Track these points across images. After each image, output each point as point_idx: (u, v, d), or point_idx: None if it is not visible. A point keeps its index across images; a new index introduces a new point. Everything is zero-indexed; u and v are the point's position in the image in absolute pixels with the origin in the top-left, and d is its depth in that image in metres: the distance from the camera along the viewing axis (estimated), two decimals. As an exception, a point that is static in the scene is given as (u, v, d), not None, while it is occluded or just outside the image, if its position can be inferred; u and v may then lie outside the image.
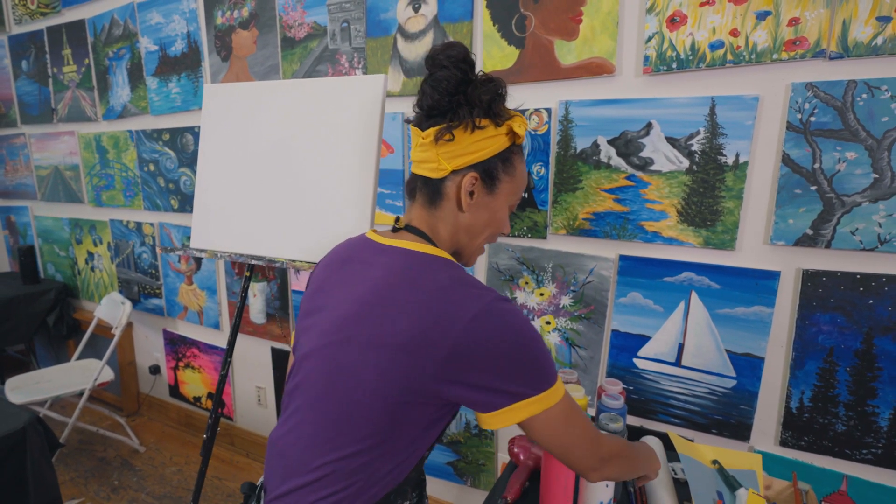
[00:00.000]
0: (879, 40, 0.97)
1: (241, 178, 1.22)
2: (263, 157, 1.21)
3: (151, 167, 2.17)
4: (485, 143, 0.65)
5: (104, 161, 2.35)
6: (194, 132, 1.98)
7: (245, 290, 1.22)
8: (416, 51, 1.46)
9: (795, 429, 1.15)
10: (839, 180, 1.04)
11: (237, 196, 1.22)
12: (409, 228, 0.70)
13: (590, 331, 1.36)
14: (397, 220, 0.73)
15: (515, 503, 0.96)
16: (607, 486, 0.85)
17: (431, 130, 0.65)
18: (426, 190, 0.69)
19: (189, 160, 2.03)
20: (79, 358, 2.40)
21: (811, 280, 1.09)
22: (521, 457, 1.04)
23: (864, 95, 0.99)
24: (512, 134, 0.67)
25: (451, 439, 1.65)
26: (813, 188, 1.06)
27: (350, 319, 0.62)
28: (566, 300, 1.38)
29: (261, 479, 0.75)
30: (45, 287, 2.58)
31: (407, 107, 1.51)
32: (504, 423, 0.58)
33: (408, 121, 0.74)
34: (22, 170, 2.74)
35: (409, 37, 1.46)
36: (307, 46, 1.65)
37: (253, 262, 1.13)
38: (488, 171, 0.67)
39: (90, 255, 2.57)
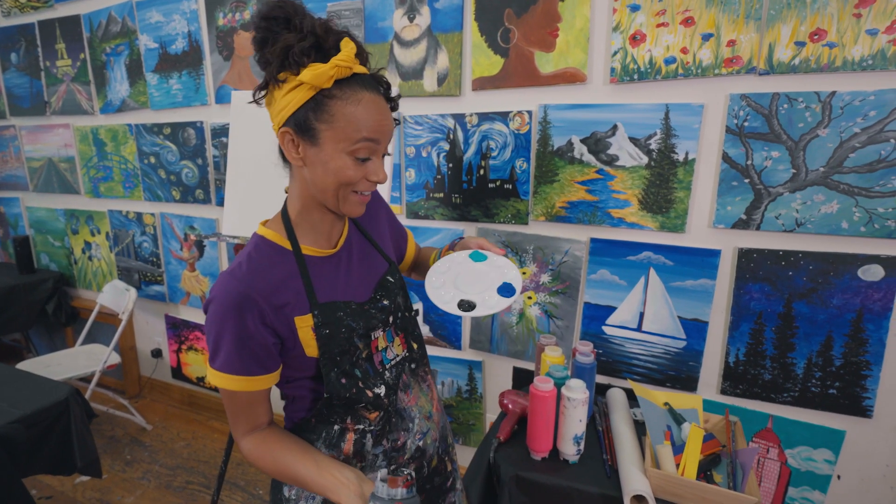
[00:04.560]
0: (797, 61, 1.19)
1: (268, 175, 1.36)
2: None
3: (152, 160, 2.26)
4: (289, 96, 0.64)
5: (102, 153, 2.42)
6: (196, 126, 2.09)
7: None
8: (411, 56, 1.63)
9: (733, 379, 1.40)
10: (766, 175, 1.27)
11: (264, 191, 1.37)
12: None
13: (565, 303, 1.58)
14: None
15: (507, 442, 1.17)
16: (581, 420, 1.06)
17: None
18: (281, 153, 0.73)
19: (191, 153, 2.14)
20: (81, 344, 2.50)
21: (745, 256, 1.33)
22: (510, 406, 1.25)
23: (785, 105, 1.22)
24: (312, 85, 0.62)
25: (443, 403, 1.85)
26: (746, 181, 1.29)
27: None
28: (545, 278, 1.59)
29: None
30: (42, 276, 2.65)
31: (403, 108, 1.67)
32: (208, 377, 0.72)
33: None
34: (12, 161, 2.78)
35: (405, 44, 1.63)
36: (308, 49, 1.78)
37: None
38: (299, 124, 0.65)
39: (87, 244, 2.65)
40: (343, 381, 0.73)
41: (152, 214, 2.35)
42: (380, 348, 0.79)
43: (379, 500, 0.61)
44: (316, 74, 0.61)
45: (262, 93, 0.68)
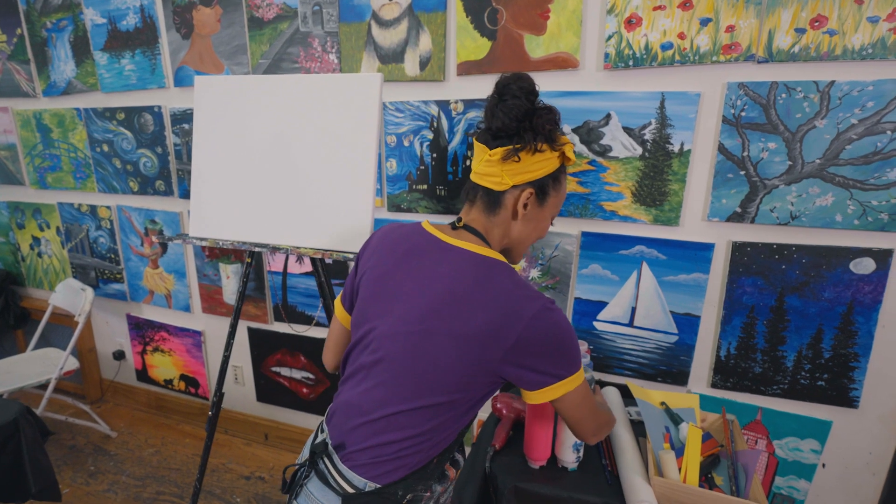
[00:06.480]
0: (797, 49, 1.15)
1: (239, 169, 1.24)
2: (262, 150, 1.24)
3: (105, 147, 2.07)
4: (542, 163, 0.78)
5: (47, 140, 2.20)
6: (153, 111, 1.92)
7: (246, 276, 1.27)
8: (390, 38, 1.51)
9: (723, 373, 1.39)
10: (762, 167, 1.24)
11: (236, 186, 1.24)
12: (468, 228, 0.82)
13: (556, 299, 1.53)
14: (459, 219, 0.84)
15: (502, 450, 1.12)
16: (580, 428, 1.02)
17: (499, 150, 0.76)
18: (487, 199, 0.81)
19: (149, 141, 1.97)
20: (34, 348, 2.31)
21: (739, 250, 1.30)
22: (504, 411, 1.20)
23: (784, 95, 1.18)
24: (563, 157, 0.80)
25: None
26: (742, 173, 1.26)
27: (431, 314, 0.74)
28: (535, 273, 1.54)
29: (322, 437, 0.83)
30: (-15, 275, 2.43)
31: (383, 94, 1.56)
32: (545, 398, 0.75)
33: (472, 135, 0.90)
34: (-57, 149, 2.50)
35: (384, 24, 1.51)
36: (277, 28, 1.64)
37: (256, 249, 1.18)
38: (542, 188, 0.79)
39: (36, 240, 2.43)
40: None
41: (108, 207, 2.17)
42: None
43: None
44: (572, 151, 0.80)
45: (514, 154, 0.76)
